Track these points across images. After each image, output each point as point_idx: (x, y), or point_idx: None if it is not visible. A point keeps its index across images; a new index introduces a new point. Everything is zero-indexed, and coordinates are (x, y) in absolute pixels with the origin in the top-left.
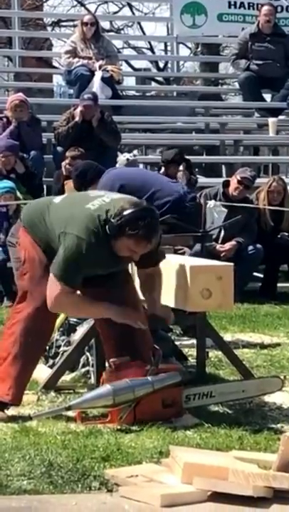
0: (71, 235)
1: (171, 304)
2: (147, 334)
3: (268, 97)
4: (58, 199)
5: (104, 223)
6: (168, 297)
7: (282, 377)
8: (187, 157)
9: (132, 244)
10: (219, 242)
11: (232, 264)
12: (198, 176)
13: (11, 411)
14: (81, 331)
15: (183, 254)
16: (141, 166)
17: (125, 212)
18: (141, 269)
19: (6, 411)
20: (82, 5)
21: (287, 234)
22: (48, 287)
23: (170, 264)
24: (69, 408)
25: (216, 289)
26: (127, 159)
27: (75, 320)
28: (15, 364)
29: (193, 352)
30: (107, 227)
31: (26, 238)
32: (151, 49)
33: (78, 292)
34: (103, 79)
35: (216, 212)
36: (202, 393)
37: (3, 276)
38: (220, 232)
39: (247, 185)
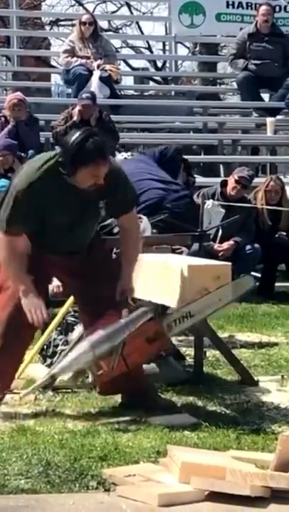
0: (11, 190)
1: (169, 304)
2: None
3: (266, 96)
4: None
5: (56, 168)
6: (166, 297)
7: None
8: (185, 157)
9: (92, 169)
10: (217, 241)
11: (230, 263)
12: (196, 175)
13: (9, 409)
14: (79, 330)
15: (181, 253)
16: None
17: (69, 146)
18: (116, 219)
19: None
20: (81, 4)
21: (285, 233)
22: None
23: (168, 264)
24: (53, 377)
25: (214, 289)
26: (125, 158)
27: (72, 319)
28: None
29: (191, 351)
30: (60, 169)
31: None
32: (150, 48)
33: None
34: (101, 78)
35: (213, 212)
36: (181, 317)
37: None
38: (218, 231)
39: (244, 185)
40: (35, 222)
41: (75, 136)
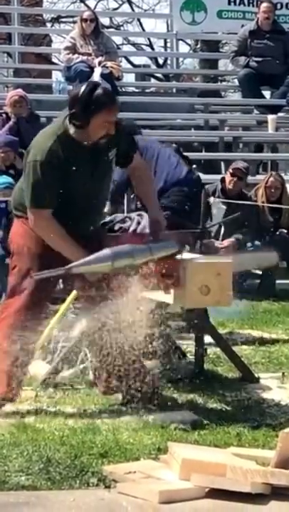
0: (29, 163)
1: (170, 301)
2: None
3: (267, 94)
4: None
5: (63, 130)
6: (163, 293)
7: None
8: (186, 154)
9: (105, 114)
10: (220, 238)
11: (231, 260)
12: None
13: (10, 407)
14: (79, 327)
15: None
16: None
17: (80, 96)
18: (126, 167)
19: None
20: (82, 1)
21: (286, 231)
22: (29, 219)
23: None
24: (69, 269)
25: (215, 286)
26: None
27: (73, 316)
28: (5, 360)
29: (192, 348)
30: (70, 125)
31: (15, 229)
32: (151, 45)
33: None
34: (102, 75)
35: (215, 209)
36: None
37: (2, 272)
38: (220, 228)
39: (240, 177)
40: (58, 193)
41: (83, 87)
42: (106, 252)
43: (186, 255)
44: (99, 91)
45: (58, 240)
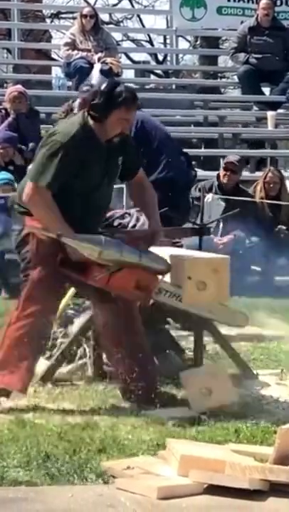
0: (51, 141)
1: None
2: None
3: (266, 90)
4: None
5: (84, 121)
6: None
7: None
8: (186, 150)
9: (124, 111)
10: (219, 234)
11: (228, 256)
12: (196, 169)
13: (8, 402)
14: (78, 322)
15: (181, 247)
16: None
17: (102, 89)
18: (129, 180)
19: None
20: None
21: (285, 227)
22: (25, 192)
23: (166, 257)
24: (60, 235)
25: (212, 282)
26: None
27: (72, 312)
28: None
29: (191, 345)
30: (90, 117)
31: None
32: (151, 42)
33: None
34: (102, 71)
35: (213, 205)
36: (173, 293)
37: (1, 268)
38: (219, 224)
39: (233, 170)
40: (65, 179)
41: (107, 82)
42: (100, 237)
43: (184, 251)
44: (121, 87)
45: (51, 218)
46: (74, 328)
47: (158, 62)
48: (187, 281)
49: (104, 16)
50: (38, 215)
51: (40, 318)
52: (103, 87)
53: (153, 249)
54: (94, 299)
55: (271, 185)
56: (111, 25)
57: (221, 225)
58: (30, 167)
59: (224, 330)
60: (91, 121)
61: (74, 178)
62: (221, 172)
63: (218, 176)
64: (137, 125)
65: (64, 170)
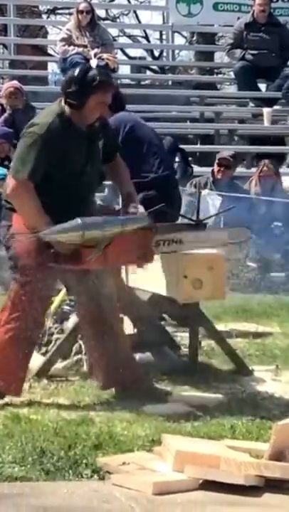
0: (28, 133)
1: (163, 293)
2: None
3: (263, 86)
4: None
5: (61, 110)
6: (159, 285)
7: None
8: (182, 146)
9: (100, 94)
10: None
11: (223, 253)
12: (192, 165)
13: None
14: (74, 318)
15: None
16: None
17: (75, 76)
18: (107, 164)
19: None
20: None
21: (280, 224)
22: (7, 185)
23: (161, 254)
24: (43, 235)
25: (208, 279)
26: None
27: (68, 308)
28: (16, 359)
29: (186, 341)
30: (67, 105)
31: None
32: (147, 38)
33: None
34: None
35: (210, 200)
36: (172, 240)
37: None
38: (220, 220)
39: (227, 165)
40: (47, 172)
41: (78, 68)
42: (76, 221)
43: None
44: (94, 71)
45: (31, 210)
46: (69, 323)
47: (154, 58)
48: (183, 279)
49: (100, 12)
50: (19, 208)
51: (28, 321)
52: (76, 73)
53: None
54: (78, 293)
55: (267, 179)
56: (107, 21)
57: (222, 222)
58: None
59: (220, 326)
60: (68, 110)
61: (55, 168)
62: (215, 168)
63: (212, 172)
64: (125, 128)
65: (43, 161)
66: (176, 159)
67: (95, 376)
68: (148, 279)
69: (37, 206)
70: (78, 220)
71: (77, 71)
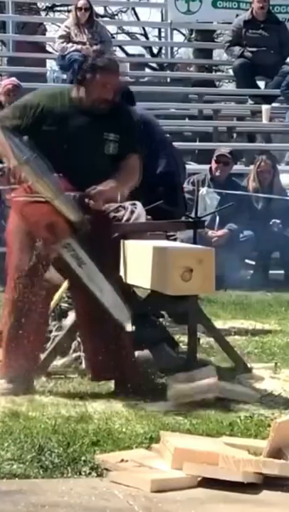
0: (30, 93)
1: (152, 287)
2: None
3: (261, 84)
4: None
5: (67, 90)
6: (148, 281)
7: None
8: (180, 143)
9: (105, 75)
10: (216, 228)
11: (212, 249)
12: (190, 162)
13: (2, 397)
14: (72, 316)
15: (175, 240)
16: None
17: (87, 57)
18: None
19: None
20: None
21: (278, 221)
22: None
23: (151, 248)
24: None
25: (197, 272)
26: None
27: (66, 305)
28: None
29: (185, 338)
30: (76, 81)
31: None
32: (146, 35)
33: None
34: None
35: (208, 198)
36: (78, 256)
37: None
38: (215, 217)
39: (225, 162)
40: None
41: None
42: (26, 154)
43: (172, 243)
44: (106, 56)
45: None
46: (68, 321)
47: (153, 55)
48: (171, 271)
49: (99, 9)
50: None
51: (16, 304)
52: (89, 55)
53: (145, 242)
54: (73, 287)
55: (265, 175)
56: (106, 18)
57: (218, 219)
58: None
59: (218, 324)
60: (74, 90)
61: (47, 135)
62: (213, 165)
63: (210, 169)
64: (140, 127)
65: (30, 116)
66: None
67: (88, 368)
68: (141, 273)
69: (10, 146)
70: (28, 155)
71: (91, 53)
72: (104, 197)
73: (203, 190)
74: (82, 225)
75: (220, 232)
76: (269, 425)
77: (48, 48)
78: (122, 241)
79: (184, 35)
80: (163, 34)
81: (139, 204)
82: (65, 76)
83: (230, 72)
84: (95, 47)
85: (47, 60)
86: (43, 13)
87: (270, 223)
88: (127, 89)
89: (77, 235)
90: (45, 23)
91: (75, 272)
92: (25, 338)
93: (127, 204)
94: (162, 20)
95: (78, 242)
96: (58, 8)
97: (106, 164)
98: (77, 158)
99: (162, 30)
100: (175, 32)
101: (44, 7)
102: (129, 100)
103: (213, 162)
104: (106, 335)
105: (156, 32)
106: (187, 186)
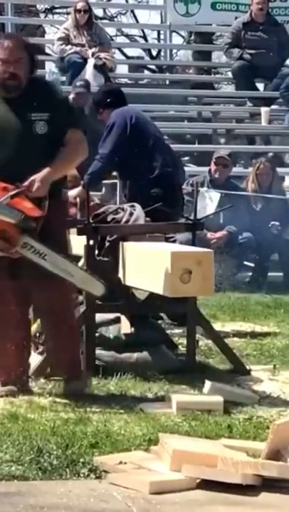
0: None
1: (151, 289)
2: None
3: (260, 86)
4: None
5: None
6: (147, 283)
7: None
8: (179, 146)
9: None
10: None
11: (211, 250)
12: (190, 164)
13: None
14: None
15: (174, 242)
16: None
17: None
18: (64, 136)
19: None
20: None
21: (278, 223)
22: None
23: (150, 250)
24: None
25: (196, 274)
26: None
27: None
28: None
29: (184, 340)
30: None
31: None
32: (145, 37)
33: None
34: (96, 66)
35: (207, 200)
36: (38, 250)
37: None
38: (218, 218)
39: (224, 164)
40: None
41: None
42: None
43: (170, 245)
44: None
45: None
46: None
47: (152, 57)
48: (170, 273)
49: (98, 11)
50: None
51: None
52: None
53: (143, 244)
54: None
55: (264, 177)
56: (105, 21)
57: (221, 220)
58: None
59: (217, 326)
60: None
61: None
62: (212, 167)
63: (209, 171)
64: (131, 120)
65: None
66: None
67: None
68: (140, 275)
69: None
70: None
71: None
72: (43, 182)
73: (203, 191)
74: (25, 222)
75: (219, 234)
76: (268, 427)
77: (47, 50)
78: (120, 243)
79: (183, 37)
80: (162, 36)
81: (138, 206)
82: (64, 78)
83: (230, 74)
84: (93, 49)
85: (46, 62)
86: (42, 15)
87: (269, 225)
88: (118, 90)
89: (27, 232)
90: (44, 25)
91: (41, 267)
92: (7, 339)
93: (126, 206)
94: (161, 22)
95: (33, 238)
96: (57, 11)
97: (41, 146)
98: (7, 147)
99: (161, 32)
100: (174, 34)
101: (43, 9)
102: (121, 100)
103: (212, 164)
104: (67, 334)
105: (155, 34)
106: (186, 188)
